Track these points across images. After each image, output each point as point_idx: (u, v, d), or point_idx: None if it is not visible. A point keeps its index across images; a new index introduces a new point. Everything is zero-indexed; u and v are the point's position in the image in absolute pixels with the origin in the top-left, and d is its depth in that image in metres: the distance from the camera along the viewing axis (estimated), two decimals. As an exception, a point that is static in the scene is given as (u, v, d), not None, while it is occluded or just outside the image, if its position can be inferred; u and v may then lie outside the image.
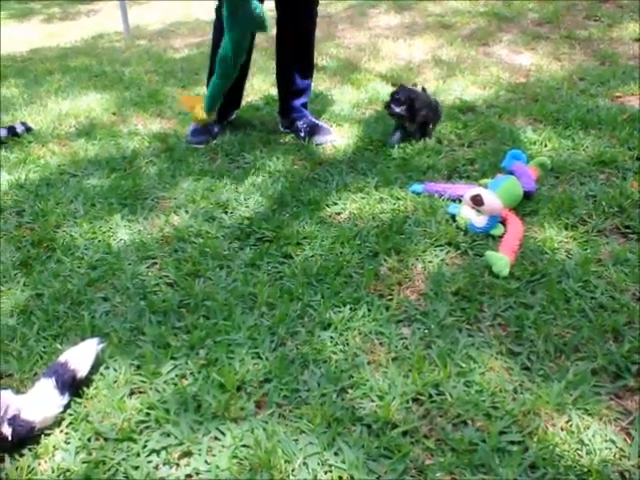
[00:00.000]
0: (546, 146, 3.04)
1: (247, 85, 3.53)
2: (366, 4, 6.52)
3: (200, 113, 3.09)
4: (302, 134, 3.25)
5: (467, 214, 2.41)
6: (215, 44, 3.08)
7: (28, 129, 3.61)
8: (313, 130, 3.24)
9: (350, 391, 1.73)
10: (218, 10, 3.02)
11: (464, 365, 1.79)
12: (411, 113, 3.06)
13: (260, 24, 2.69)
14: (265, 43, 3.39)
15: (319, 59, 4.52)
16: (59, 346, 1.94)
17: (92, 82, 4.52)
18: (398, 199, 2.63)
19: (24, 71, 5.03)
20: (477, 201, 2.38)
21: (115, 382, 1.78)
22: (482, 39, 4.98)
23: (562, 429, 1.58)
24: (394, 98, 3.07)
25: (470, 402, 1.67)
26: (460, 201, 2.52)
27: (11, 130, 3.54)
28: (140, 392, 1.76)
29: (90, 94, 4.22)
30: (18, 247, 2.49)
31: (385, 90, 3.90)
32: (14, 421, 1.58)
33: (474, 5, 6.04)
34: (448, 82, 4.01)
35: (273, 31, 3.17)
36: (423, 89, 3.28)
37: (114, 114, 3.83)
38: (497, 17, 5.58)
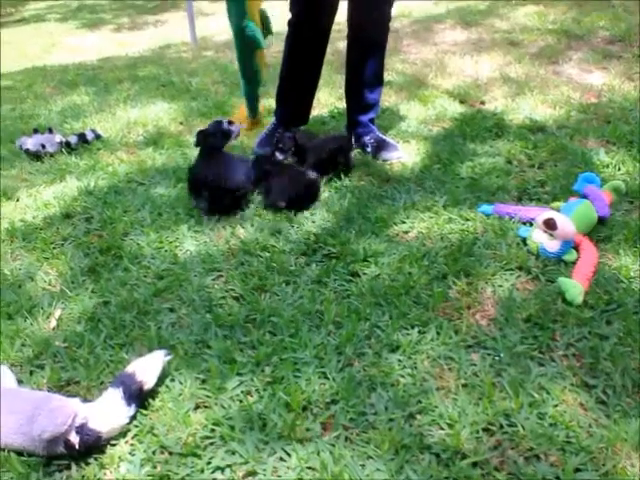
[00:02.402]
0: (619, 169, 2.95)
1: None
2: (431, 19, 6.47)
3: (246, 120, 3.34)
4: (369, 149, 3.22)
5: (539, 238, 2.35)
6: (287, 54, 3.15)
7: (98, 136, 3.67)
8: (380, 146, 3.21)
9: (418, 417, 1.69)
10: (291, 23, 3.05)
11: (536, 396, 1.73)
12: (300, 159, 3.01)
13: (254, 42, 2.77)
14: (331, 57, 3.37)
15: (385, 74, 4.48)
16: (125, 355, 1.94)
17: (160, 91, 4.59)
18: (467, 220, 2.58)
19: (94, 79, 5.14)
20: (550, 225, 2.31)
21: (180, 395, 1.78)
22: (551, 57, 4.88)
23: (642, 469, 1.51)
24: (277, 146, 3.04)
25: (543, 435, 1.61)
26: (531, 224, 2.46)
27: (81, 137, 3.61)
28: (205, 407, 1.75)
29: (158, 103, 4.28)
30: (86, 253, 2.52)
31: (453, 107, 3.85)
32: (82, 430, 1.59)
33: (542, 22, 5.92)
34: (517, 101, 3.93)
35: (337, 44, 3.16)
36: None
37: (181, 124, 3.87)
38: (566, 35, 5.46)
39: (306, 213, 2.68)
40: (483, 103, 3.97)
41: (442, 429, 1.65)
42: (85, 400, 1.72)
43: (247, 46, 2.95)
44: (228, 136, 2.92)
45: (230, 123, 2.91)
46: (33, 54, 7.69)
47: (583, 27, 5.60)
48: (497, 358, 1.88)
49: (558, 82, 4.30)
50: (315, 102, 3.44)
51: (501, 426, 1.65)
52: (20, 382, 1.86)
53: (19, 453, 1.61)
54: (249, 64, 3.02)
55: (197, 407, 1.75)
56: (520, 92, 4.09)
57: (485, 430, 1.64)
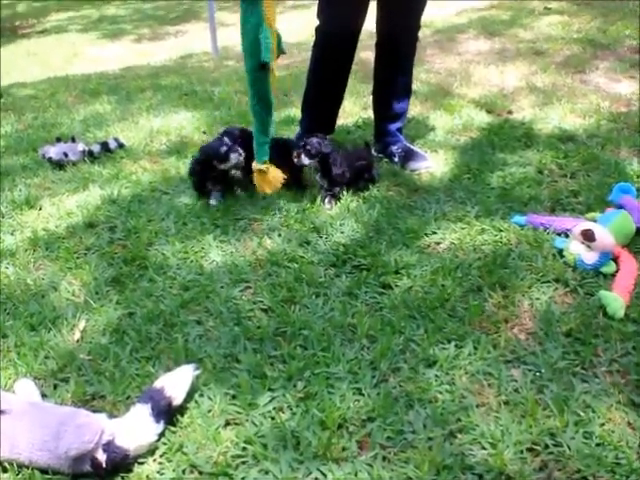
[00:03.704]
0: (655, 180, 2.87)
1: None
2: (454, 29, 6.41)
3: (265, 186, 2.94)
4: (396, 159, 3.17)
5: (576, 249, 2.27)
6: (314, 61, 3.11)
7: (120, 145, 3.63)
8: (408, 156, 3.15)
9: (459, 436, 1.62)
10: (319, 30, 3.01)
11: (582, 414, 1.66)
12: (324, 168, 2.82)
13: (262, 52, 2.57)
14: (355, 66, 3.32)
15: (411, 83, 4.44)
16: (152, 369, 1.89)
17: (182, 100, 4.55)
18: (500, 230, 2.51)
19: (117, 88, 5.12)
20: (588, 236, 2.24)
21: (210, 411, 1.71)
22: (577, 66, 4.80)
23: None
24: (305, 149, 2.78)
25: (591, 456, 1.54)
26: (567, 235, 2.39)
27: (104, 146, 3.57)
28: (236, 423, 1.68)
29: (181, 112, 4.24)
30: (110, 263, 2.48)
31: (480, 117, 3.78)
32: (108, 447, 1.53)
33: (567, 31, 5.86)
34: (545, 110, 3.86)
35: (361, 54, 3.11)
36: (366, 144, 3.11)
37: (204, 133, 3.83)
38: (592, 44, 5.39)
39: (335, 223, 2.62)
40: (510, 112, 3.90)
41: (484, 449, 1.57)
42: (111, 416, 1.66)
43: (261, 66, 2.70)
44: (222, 159, 2.82)
45: (231, 148, 2.80)
46: (55, 64, 7.70)
47: (609, 36, 5.53)
48: (538, 374, 1.81)
49: (586, 91, 4.23)
50: (340, 111, 3.39)
51: (546, 446, 1.57)
52: (44, 396, 1.81)
53: (44, 471, 1.55)
54: (263, 88, 2.72)
55: (227, 424, 1.68)
56: (548, 101, 4.03)
57: (530, 450, 1.57)
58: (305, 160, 2.76)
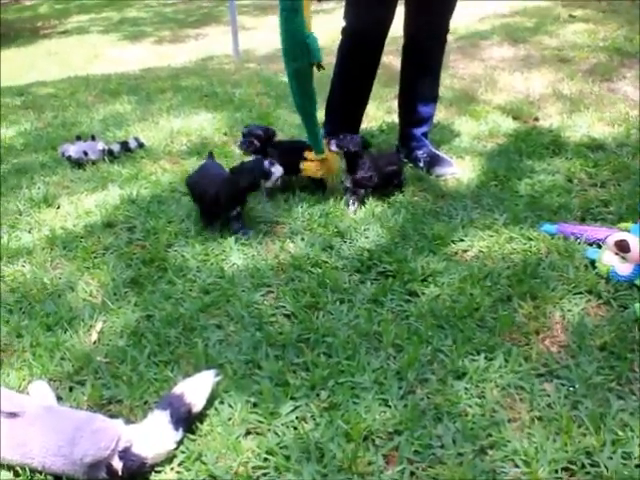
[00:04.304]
0: (688, 191, 2.78)
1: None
2: (477, 36, 6.35)
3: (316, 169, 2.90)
4: (421, 164, 3.10)
5: (610, 260, 2.19)
6: (340, 63, 3.06)
7: (140, 145, 3.59)
8: (433, 161, 3.08)
9: (490, 452, 1.54)
10: (346, 31, 2.96)
11: (620, 433, 1.58)
12: (350, 167, 2.77)
13: (312, 54, 2.60)
14: (378, 70, 3.27)
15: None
16: (170, 373, 1.83)
17: (203, 102, 4.51)
18: (530, 239, 2.43)
19: (137, 89, 5.08)
20: (623, 247, 2.16)
21: (230, 419, 1.65)
22: (604, 74, 4.72)
23: None
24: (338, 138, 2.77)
25: (630, 478, 1.47)
26: (599, 245, 2.31)
27: (124, 145, 3.53)
28: (257, 433, 1.62)
29: (201, 113, 4.19)
30: (129, 264, 2.42)
31: (506, 123, 3.71)
32: (125, 454, 1.47)
33: (593, 39, 5.78)
34: (573, 118, 3.78)
35: (384, 58, 3.05)
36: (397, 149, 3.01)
37: (225, 134, 3.78)
38: (618, 52, 5.31)
39: (359, 228, 2.55)
40: (537, 119, 3.83)
41: (517, 466, 1.50)
42: (128, 421, 1.60)
43: (307, 67, 2.73)
44: (266, 177, 2.62)
45: (272, 164, 2.64)
46: (76, 64, 7.70)
47: (635, 44, 5.45)
48: (572, 389, 1.73)
49: (614, 99, 4.15)
50: (363, 116, 3.32)
51: (583, 465, 1.50)
52: (59, 399, 1.75)
53: (57, 477, 1.49)
54: (309, 87, 2.73)
55: (248, 433, 1.62)
56: (575, 109, 3.95)
57: (565, 470, 1.49)
58: (333, 146, 2.74)
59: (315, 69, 2.67)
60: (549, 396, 1.71)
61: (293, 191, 2.91)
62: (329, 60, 3.17)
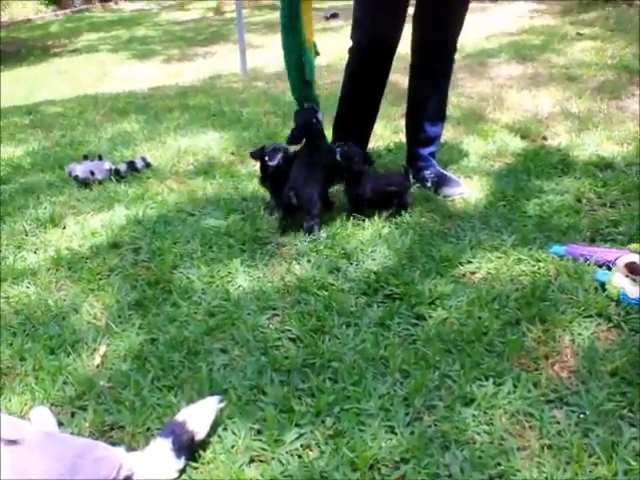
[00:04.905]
0: (699, 212, 2.75)
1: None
2: (484, 54, 6.35)
3: None
4: (429, 184, 3.08)
5: (620, 283, 2.16)
6: (347, 82, 3.07)
7: (147, 164, 3.59)
8: (441, 181, 3.06)
9: (499, 482, 1.50)
10: (353, 50, 2.97)
11: (632, 462, 1.54)
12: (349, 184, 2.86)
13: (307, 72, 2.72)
14: (385, 89, 3.27)
15: (442, 107, 4.36)
16: (174, 399, 1.80)
17: (210, 121, 4.51)
18: (538, 261, 2.40)
19: (145, 108, 5.10)
20: (633, 269, 2.13)
21: (234, 447, 1.62)
22: (613, 92, 4.69)
23: None
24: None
25: (643, 510, 1.42)
26: (609, 267, 2.28)
27: (131, 165, 3.53)
28: (261, 461, 1.59)
29: (209, 133, 4.19)
30: (134, 286, 2.40)
31: (514, 142, 3.68)
32: (126, 483, 1.44)
33: (601, 57, 5.76)
34: (581, 136, 3.75)
35: (391, 76, 3.04)
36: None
37: (232, 154, 3.77)
38: (627, 70, 5.28)
39: (366, 249, 2.53)
40: (545, 138, 3.80)
41: (527, 497, 1.46)
42: (130, 449, 1.58)
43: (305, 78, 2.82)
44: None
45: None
46: (85, 83, 7.75)
47: (644, 63, 5.42)
48: (582, 416, 1.69)
49: (623, 118, 4.12)
50: (371, 136, 3.31)
51: (594, 497, 1.46)
52: (61, 424, 1.73)
53: (58, 506, 1.46)
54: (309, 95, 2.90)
55: (252, 461, 1.59)
56: (584, 128, 3.92)
57: (576, 501, 1.46)
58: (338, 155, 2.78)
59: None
60: (559, 423, 1.67)
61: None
62: (337, 79, 3.17)
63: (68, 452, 1.48)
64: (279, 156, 2.84)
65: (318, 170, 2.77)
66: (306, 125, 2.81)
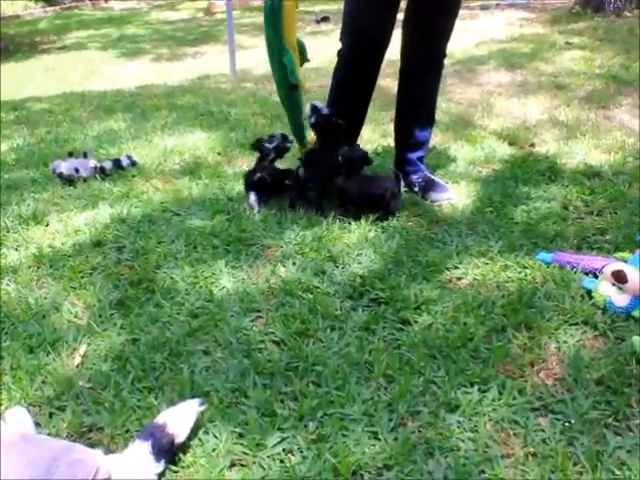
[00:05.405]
0: (685, 221, 2.75)
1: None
2: (473, 61, 6.37)
3: None
4: (416, 189, 3.06)
5: (606, 291, 2.15)
6: (336, 85, 3.08)
7: (133, 163, 3.55)
8: (428, 186, 3.05)
9: (483, 490, 1.48)
10: (342, 54, 2.97)
11: (617, 472, 1.53)
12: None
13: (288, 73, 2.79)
14: (373, 93, 3.25)
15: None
16: (154, 401, 1.77)
17: (198, 121, 4.48)
18: (525, 267, 2.39)
19: (132, 106, 5.05)
20: (620, 277, 2.12)
21: (214, 450, 1.59)
22: (601, 101, 4.71)
23: None
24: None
25: (628, 520, 1.41)
26: (596, 275, 2.27)
27: (116, 163, 3.49)
28: (242, 465, 1.56)
29: (196, 132, 4.16)
30: (116, 285, 2.37)
31: (502, 149, 3.68)
32: (103, 487, 1.41)
33: (589, 67, 5.80)
34: (569, 144, 3.75)
35: (379, 81, 3.04)
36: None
37: (219, 154, 3.74)
38: (615, 80, 5.31)
39: (352, 253, 2.51)
40: (533, 146, 3.80)
41: (510, 506, 1.45)
42: (108, 451, 1.55)
43: (291, 86, 2.84)
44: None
45: None
46: (73, 80, 7.70)
47: (632, 73, 5.47)
48: (567, 424, 1.68)
49: (610, 127, 4.14)
50: (358, 139, 3.30)
51: (578, 506, 1.45)
52: (38, 425, 1.69)
53: (32, 509, 1.43)
54: (291, 95, 2.91)
55: (233, 465, 1.56)
56: (571, 136, 3.93)
57: (560, 510, 1.44)
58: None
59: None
60: (544, 431, 1.66)
61: (285, 213, 2.87)
62: (326, 82, 3.16)
63: (44, 455, 1.44)
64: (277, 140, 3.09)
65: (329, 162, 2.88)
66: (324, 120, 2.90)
